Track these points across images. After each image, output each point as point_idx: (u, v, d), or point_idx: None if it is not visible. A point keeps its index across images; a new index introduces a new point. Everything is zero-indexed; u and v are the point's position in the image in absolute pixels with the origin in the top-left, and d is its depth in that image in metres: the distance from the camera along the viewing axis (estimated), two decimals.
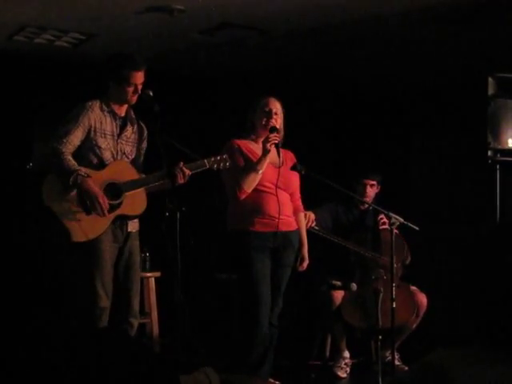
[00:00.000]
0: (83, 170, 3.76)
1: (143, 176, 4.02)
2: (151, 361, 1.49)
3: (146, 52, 4.99)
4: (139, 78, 3.88)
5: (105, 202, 3.78)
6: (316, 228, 4.79)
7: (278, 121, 4.20)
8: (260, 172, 4.08)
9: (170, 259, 3.78)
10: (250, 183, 4.09)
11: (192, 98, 6.19)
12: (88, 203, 3.76)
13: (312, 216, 4.73)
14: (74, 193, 3.78)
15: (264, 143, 4.08)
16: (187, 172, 3.89)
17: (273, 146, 4.07)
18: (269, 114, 4.18)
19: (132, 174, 3.95)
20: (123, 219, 3.95)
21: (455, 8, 4.45)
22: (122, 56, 3.95)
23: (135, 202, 3.93)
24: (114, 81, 3.91)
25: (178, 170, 3.86)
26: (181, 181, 3.87)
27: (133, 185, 3.90)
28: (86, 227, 3.77)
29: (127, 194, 3.88)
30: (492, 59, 5.27)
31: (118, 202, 3.87)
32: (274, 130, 4.12)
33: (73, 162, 3.77)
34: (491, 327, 1.42)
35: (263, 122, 4.19)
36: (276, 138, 4.07)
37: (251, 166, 4.10)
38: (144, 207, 3.97)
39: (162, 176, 3.92)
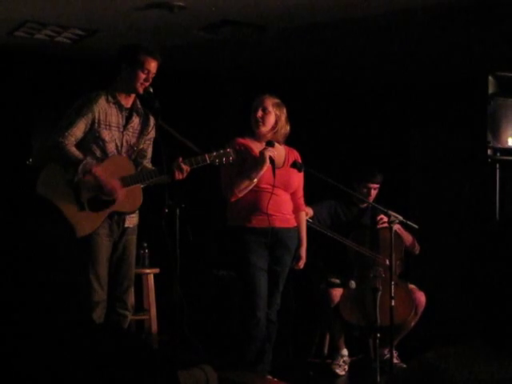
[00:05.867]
0: (88, 158, 3.77)
1: (140, 171, 4.00)
2: (149, 357, 1.49)
3: None
4: (153, 66, 3.88)
5: (115, 184, 3.78)
6: (310, 221, 4.78)
7: (265, 118, 4.20)
8: (255, 180, 4.09)
9: (170, 256, 3.78)
10: (243, 190, 4.12)
11: (192, 95, 6.19)
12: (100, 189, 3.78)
13: (310, 210, 4.75)
14: (69, 188, 3.78)
15: (261, 153, 4.09)
16: (185, 168, 3.84)
17: (269, 157, 4.08)
18: (254, 113, 4.20)
19: (129, 170, 3.92)
20: (119, 215, 3.93)
21: (456, 7, 4.45)
22: (140, 44, 3.99)
23: (130, 198, 3.91)
24: (127, 64, 3.88)
25: (175, 166, 3.82)
26: (179, 177, 3.83)
27: (129, 180, 3.87)
28: (79, 223, 3.75)
29: (124, 190, 3.86)
30: (492, 58, 5.27)
31: (112, 198, 3.86)
32: (270, 143, 4.14)
33: (77, 152, 3.77)
34: (490, 325, 1.42)
35: (253, 123, 4.22)
36: (273, 152, 4.09)
37: (247, 173, 4.11)
38: (139, 204, 3.96)
39: (159, 172, 3.89)
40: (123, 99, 3.95)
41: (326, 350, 5.14)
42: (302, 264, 4.39)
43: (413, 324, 4.96)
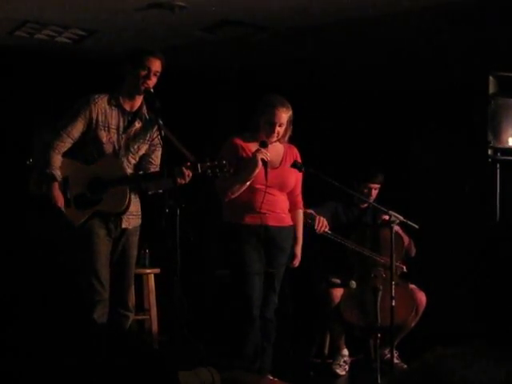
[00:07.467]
0: (57, 174, 3.81)
1: (125, 176, 3.96)
2: (150, 357, 1.49)
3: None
4: (154, 64, 3.90)
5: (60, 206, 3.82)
6: (329, 232, 4.76)
7: (280, 132, 4.18)
8: (248, 183, 4.09)
9: (170, 256, 3.78)
10: (236, 191, 4.12)
11: (192, 95, 6.18)
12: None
13: (325, 221, 4.70)
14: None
15: (254, 155, 4.07)
16: (187, 173, 3.77)
17: (261, 159, 4.06)
18: (272, 127, 4.13)
19: (118, 172, 3.92)
20: (114, 216, 3.93)
21: (456, 7, 4.45)
22: (142, 46, 4.05)
23: (116, 199, 3.91)
24: (130, 66, 3.91)
25: (176, 171, 3.76)
26: (181, 182, 3.78)
27: (117, 182, 3.88)
28: None
29: (111, 190, 3.88)
30: (493, 58, 5.27)
31: (97, 197, 3.88)
32: (263, 144, 4.12)
33: (53, 160, 3.82)
34: (491, 325, 1.42)
35: (265, 132, 4.16)
36: (266, 154, 4.06)
37: (240, 175, 4.09)
38: (124, 206, 3.92)
39: (150, 176, 3.91)
40: (126, 103, 3.96)
41: (326, 350, 5.14)
42: (296, 262, 4.37)
43: (413, 324, 4.96)
